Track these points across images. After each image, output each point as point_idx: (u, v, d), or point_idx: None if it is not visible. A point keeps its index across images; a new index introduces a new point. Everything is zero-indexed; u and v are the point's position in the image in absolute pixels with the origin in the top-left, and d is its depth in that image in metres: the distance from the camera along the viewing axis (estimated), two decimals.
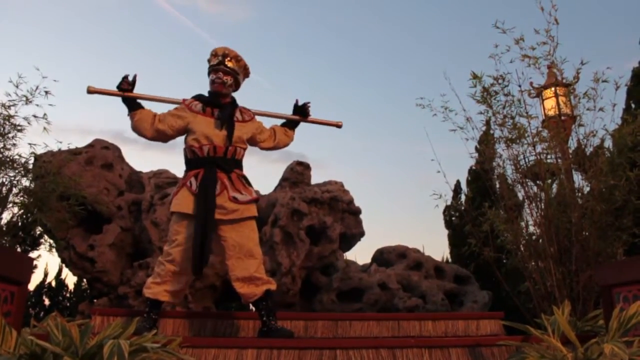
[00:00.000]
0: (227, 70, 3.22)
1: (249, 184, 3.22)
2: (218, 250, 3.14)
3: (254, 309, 3.25)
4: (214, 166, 3.10)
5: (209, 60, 3.30)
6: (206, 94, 3.31)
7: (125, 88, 3.14)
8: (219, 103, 3.24)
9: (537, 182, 4.65)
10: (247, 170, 3.27)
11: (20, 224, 4.89)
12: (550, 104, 5.65)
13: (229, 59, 3.24)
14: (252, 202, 3.15)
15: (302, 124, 3.53)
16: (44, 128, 4.68)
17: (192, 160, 3.17)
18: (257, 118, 3.44)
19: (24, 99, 4.60)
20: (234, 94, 3.37)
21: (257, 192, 3.29)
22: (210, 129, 3.13)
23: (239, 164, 3.22)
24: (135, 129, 3.18)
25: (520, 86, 4.73)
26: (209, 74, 3.28)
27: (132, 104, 3.17)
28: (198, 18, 21.97)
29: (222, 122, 3.14)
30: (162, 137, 3.23)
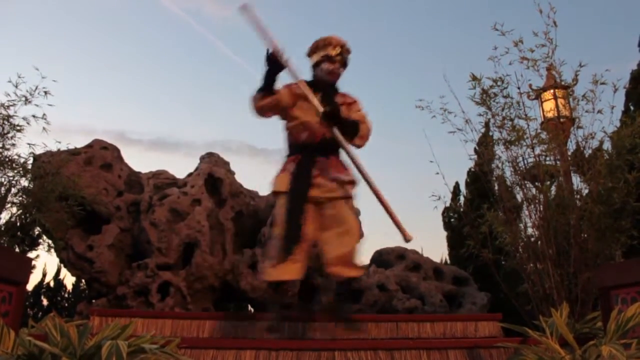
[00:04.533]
0: (345, 62, 3.26)
1: (346, 165, 3.23)
2: (317, 225, 3.10)
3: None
4: (313, 151, 3.13)
5: (317, 47, 3.25)
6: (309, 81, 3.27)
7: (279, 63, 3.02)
8: (327, 92, 3.24)
9: (536, 184, 4.65)
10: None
11: (18, 224, 4.89)
12: (549, 106, 5.65)
13: (346, 49, 3.25)
14: (351, 182, 3.16)
15: None
16: (43, 128, 4.68)
17: (292, 145, 3.23)
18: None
19: (23, 99, 4.60)
20: None
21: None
22: (311, 115, 3.12)
23: (337, 148, 3.22)
24: (263, 107, 3.13)
25: (519, 88, 4.73)
26: (321, 62, 3.23)
27: (273, 83, 3.09)
28: (205, 21, 21.98)
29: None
30: (274, 110, 3.18)
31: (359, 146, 3.24)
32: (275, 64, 3.02)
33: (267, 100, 3.11)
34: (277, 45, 3.00)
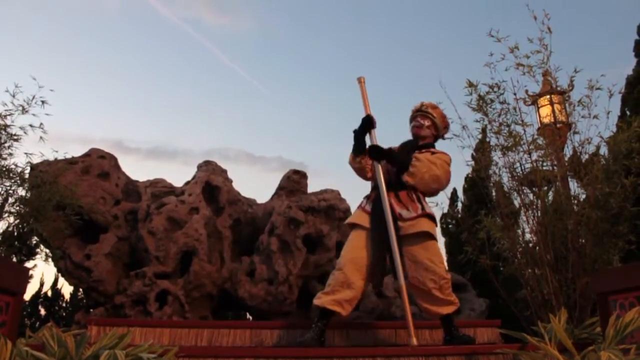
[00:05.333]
0: (424, 114, 3.50)
1: (418, 200, 3.30)
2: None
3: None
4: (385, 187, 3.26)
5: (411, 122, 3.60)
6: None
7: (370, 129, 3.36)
8: (417, 145, 3.46)
9: (533, 189, 4.65)
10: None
11: (16, 233, 4.87)
12: (545, 111, 5.67)
13: (424, 107, 3.54)
14: (416, 217, 3.22)
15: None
16: (41, 137, 4.68)
17: (372, 187, 3.43)
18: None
19: (21, 108, 4.60)
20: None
21: (425, 207, 3.31)
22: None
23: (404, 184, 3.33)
24: (360, 170, 3.42)
25: (515, 94, 4.75)
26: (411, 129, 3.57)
27: (364, 145, 3.37)
28: (203, 29, 22.07)
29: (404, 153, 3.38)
30: (364, 172, 3.43)
31: (411, 184, 3.29)
32: (368, 128, 3.35)
33: (357, 159, 3.38)
34: (371, 113, 3.38)
